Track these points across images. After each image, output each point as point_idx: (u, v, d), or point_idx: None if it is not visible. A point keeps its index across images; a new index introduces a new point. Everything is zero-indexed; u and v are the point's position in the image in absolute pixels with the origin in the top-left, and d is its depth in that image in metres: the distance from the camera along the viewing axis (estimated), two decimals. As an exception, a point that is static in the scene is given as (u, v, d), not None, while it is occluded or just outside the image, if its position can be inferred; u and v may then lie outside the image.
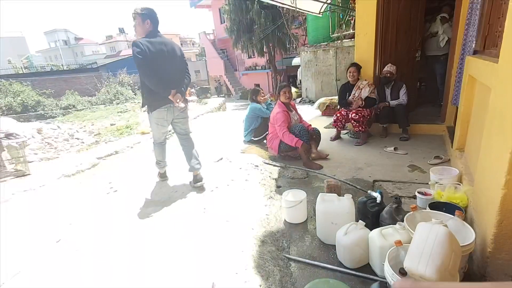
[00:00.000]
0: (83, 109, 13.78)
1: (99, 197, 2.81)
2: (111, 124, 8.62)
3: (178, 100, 2.46)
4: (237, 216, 2.19)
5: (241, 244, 1.81)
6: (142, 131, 5.42)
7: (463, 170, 2.25)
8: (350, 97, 3.98)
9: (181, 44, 36.49)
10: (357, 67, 3.96)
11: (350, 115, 3.80)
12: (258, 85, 5.70)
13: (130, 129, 7.20)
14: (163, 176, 3.09)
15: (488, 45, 2.19)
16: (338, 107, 4.38)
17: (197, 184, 2.74)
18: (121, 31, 42.26)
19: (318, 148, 3.61)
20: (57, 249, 2.00)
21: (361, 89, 3.92)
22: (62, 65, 28.75)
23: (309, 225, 2.12)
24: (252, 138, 4.12)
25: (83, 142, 7.02)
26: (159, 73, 2.37)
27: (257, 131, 4.07)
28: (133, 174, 3.36)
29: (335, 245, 1.74)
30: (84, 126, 8.89)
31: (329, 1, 6.47)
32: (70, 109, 13.91)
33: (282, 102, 3.41)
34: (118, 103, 13.59)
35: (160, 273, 1.66)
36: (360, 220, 1.72)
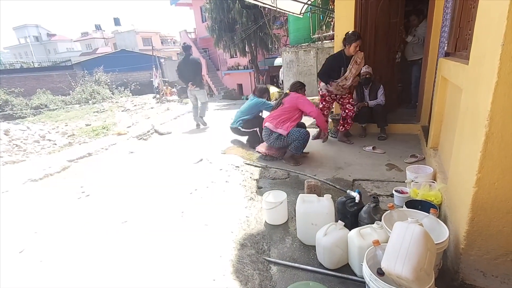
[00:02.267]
0: (56, 109, 13.09)
1: (69, 203, 2.64)
2: (87, 125, 8.25)
3: (190, 86, 5.40)
4: (217, 219, 2.13)
5: (219, 248, 1.76)
6: (119, 132, 5.21)
7: (437, 168, 2.32)
8: (347, 73, 3.50)
9: (161, 43, 35.69)
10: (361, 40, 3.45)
11: (345, 110, 3.80)
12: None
13: (107, 129, 6.92)
14: (198, 125, 5.61)
15: (459, 48, 2.28)
16: (320, 88, 3.90)
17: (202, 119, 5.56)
18: (98, 27, 40.64)
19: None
20: (19, 260, 1.85)
21: (358, 64, 3.47)
22: (33, 62, 27.17)
23: (290, 226, 2.10)
24: (240, 128, 4.00)
25: (55, 144, 6.66)
26: (184, 75, 5.41)
27: (248, 123, 3.97)
28: (107, 178, 3.20)
29: (315, 246, 1.73)
30: (57, 126, 8.45)
31: (309, 2, 6.53)
32: (41, 108, 13.17)
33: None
34: (94, 103, 13.05)
35: (133, 282, 1.57)
36: (339, 220, 1.71)
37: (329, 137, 4.27)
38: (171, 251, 1.79)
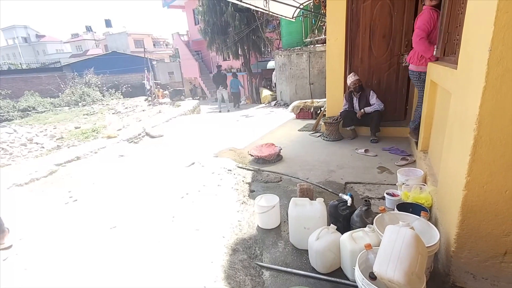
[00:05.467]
0: (44, 111, 12.81)
1: (56, 208, 2.56)
2: (76, 128, 8.09)
3: (220, 88, 9.64)
4: (208, 223, 2.10)
5: (211, 254, 1.73)
6: (109, 135, 5.11)
7: (427, 171, 2.34)
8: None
9: (154, 45, 35.42)
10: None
11: None
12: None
13: (97, 132, 6.79)
14: (220, 111, 9.23)
15: (447, 52, 2.31)
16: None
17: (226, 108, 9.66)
18: (89, 29, 40.09)
19: (293, 152, 3.62)
20: (3, 268, 1.77)
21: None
22: (20, 63, 26.56)
23: (282, 230, 2.08)
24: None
25: (43, 147, 6.48)
26: (217, 82, 9.67)
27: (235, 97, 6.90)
28: (96, 182, 3.13)
29: (308, 250, 1.72)
30: (45, 129, 8.25)
31: (301, 7, 6.59)
32: (29, 111, 12.86)
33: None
34: (84, 105, 12.81)
35: (121, 290, 1.52)
36: (331, 224, 1.71)
37: (321, 139, 4.30)
38: (161, 257, 1.75)
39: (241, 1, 4.82)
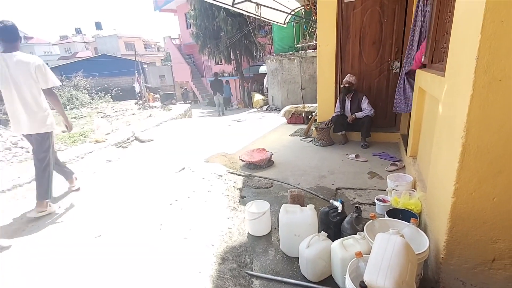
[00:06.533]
0: (30, 114, 12.42)
1: (40, 217, 2.46)
2: (63, 131, 7.87)
3: (218, 94, 10.63)
4: (197, 231, 2.05)
5: (199, 263, 1.68)
6: (96, 139, 4.99)
7: (416, 177, 2.36)
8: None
9: (145, 48, 35.12)
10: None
11: None
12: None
13: (84, 136, 6.61)
14: (219, 114, 10.33)
15: (435, 60, 2.36)
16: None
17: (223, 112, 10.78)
18: (78, 31, 39.47)
19: (284, 157, 3.60)
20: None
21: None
22: (6, 65, 25.79)
23: (273, 237, 2.05)
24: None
25: (28, 152, 6.28)
26: (215, 88, 10.76)
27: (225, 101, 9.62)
28: (81, 188, 3.03)
29: (298, 258, 1.69)
30: (30, 133, 8.00)
31: (292, 13, 6.66)
32: (14, 114, 12.45)
33: None
34: (72, 108, 12.49)
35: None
36: (322, 231, 1.69)
37: (312, 144, 4.31)
38: (147, 267, 1.69)
39: (232, 6, 4.84)
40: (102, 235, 2.09)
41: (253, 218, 2.02)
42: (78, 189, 2.99)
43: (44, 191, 2.45)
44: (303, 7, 6.35)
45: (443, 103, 1.62)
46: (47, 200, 2.48)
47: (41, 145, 2.47)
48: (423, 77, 2.46)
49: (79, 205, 2.65)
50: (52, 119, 2.53)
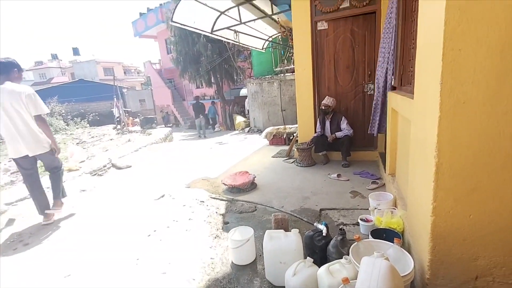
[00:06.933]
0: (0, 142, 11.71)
1: (2, 255, 2.23)
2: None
3: (200, 117, 10.94)
4: (177, 264, 1.93)
5: (179, 300, 1.56)
6: (69, 168, 4.73)
7: (396, 195, 2.41)
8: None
9: (124, 72, 34.95)
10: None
11: None
12: (207, 115, 8.18)
13: (57, 165, 6.26)
14: (200, 136, 10.47)
15: (404, 82, 2.51)
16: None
17: (204, 134, 11.07)
18: (54, 57, 38.77)
19: (267, 179, 3.57)
20: None
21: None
22: (-26, 92, 24.53)
23: (258, 266, 1.96)
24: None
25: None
26: (197, 111, 11.11)
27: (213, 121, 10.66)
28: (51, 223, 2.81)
29: (285, 287, 1.62)
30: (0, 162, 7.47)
31: (270, 39, 6.96)
32: (-20, 143, 11.68)
33: None
34: (45, 135, 11.92)
35: None
36: (308, 257, 1.64)
37: (294, 165, 4.33)
38: (122, 309, 1.54)
39: (211, 33, 4.97)
40: (72, 274, 1.91)
41: (236, 246, 1.93)
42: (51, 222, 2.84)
43: (59, 191, 2.94)
44: (279, 34, 6.66)
45: (414, 124, 1.69)
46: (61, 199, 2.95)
47: (49, 160, 2.84)
48: (394, 99, 2.59)
49: (47, 241, 2.44)
50: (47, 139, 2.78)
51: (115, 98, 13.52)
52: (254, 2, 4.59)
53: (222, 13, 4.82)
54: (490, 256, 1.27)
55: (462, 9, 1.10)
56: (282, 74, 8.81)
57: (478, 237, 1.27)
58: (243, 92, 14.70)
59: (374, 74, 4.11)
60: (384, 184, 3.14)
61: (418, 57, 1.57)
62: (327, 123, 4.24)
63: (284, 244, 1.73)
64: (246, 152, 5.71)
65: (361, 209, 2.66)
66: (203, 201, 3.04)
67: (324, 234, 1.78)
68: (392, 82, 2.84)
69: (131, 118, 15.18)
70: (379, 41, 3.76)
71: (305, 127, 4.50)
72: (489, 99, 1.14)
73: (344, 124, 4.11)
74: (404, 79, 2.51)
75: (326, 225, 1.82)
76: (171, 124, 19.42)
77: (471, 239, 1.27)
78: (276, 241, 1.75)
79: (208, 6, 4.55)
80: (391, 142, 2.80)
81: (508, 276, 1.26)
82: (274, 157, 5.03)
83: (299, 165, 4.27)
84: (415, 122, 1.65)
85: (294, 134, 5.43)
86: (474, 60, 1.13)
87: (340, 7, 3.98)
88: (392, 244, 1.58)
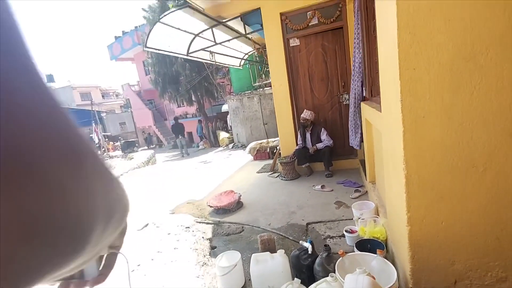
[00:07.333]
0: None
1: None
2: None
3: (180, 137, 11.12)
4: (164, 298, 1.86)
5: None
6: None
7: (377, 203, 2.47)
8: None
9: (103, 96, 34.28)
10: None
11: None
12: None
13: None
14: (182, 155, 10.90)
15: (374, 93, 2.62)
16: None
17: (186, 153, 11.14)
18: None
19: (253, 196, 3.56)
20: None
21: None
22: None
23: (247, 291, 1.93)
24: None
25: None
26: (176, 132, 11.18)
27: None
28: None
29: (275, 311, 1.60)
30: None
31: (246, 56, 7.11)
32: None
33: None
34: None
35: None
36: (295, 278, 1.63)
37: (279, 179, 4.35)
38: None
39: (187, 55, 5.03)
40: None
41: (224, 273, 1.89)
42: None
43: None
44: (255, 51, 6.83)
45: (384, 136, 1.77)
46: None
47: None
48: (366, 110, 2.70)
49: None
50: None
51: (93, 124, 13.21)
52: (226, 23, 4.71)
53: (196, 35, 4.90)
54: (465, 260, 1.32)
55: (412, 32, 1.19)
56: (261, 89, 8.97)
57: (452, 243, 1.32)
58: (225, 107, 14.77)
59: (348, 85, 4.29)
60: (367, 191, 3.20)
61: (381, 74, 1.66)
62: (308, 135, 4.32)
63: (271, 267, 1.72)
64: (231, 170, 5.68)
65: (346, 219, 2.69)
66: (189, 227, 2.98)
67: (309, 252, 1.79)
68: (364, 93, 2.97)
69: (111, 142, 14.82)
70: (349, 53, 3.96)
71: (286, 141, 4.57)
72: (446, 112, 1.22)
73: (324, 135, 4.20)
74: (373, 90, 2.63)
75: (311, 243, 1.83)
76: (154, 145, 19.09)
77: (446, 245, 1.32)
78: (262, 265, 1.73)
79: (181, 30, 4.62)
80: (368, 150, 2.88)
81: (484, 278, 1.30)
82: (259, 172, 5.04)
83: (283, 179, 4.29)
84: (385, 134, 1.73)
85: (277, 147, 5.49)
86: (428, 78, 1.21)
87: (310, 24, 4.17)
88: (375, 255, 1.61)
